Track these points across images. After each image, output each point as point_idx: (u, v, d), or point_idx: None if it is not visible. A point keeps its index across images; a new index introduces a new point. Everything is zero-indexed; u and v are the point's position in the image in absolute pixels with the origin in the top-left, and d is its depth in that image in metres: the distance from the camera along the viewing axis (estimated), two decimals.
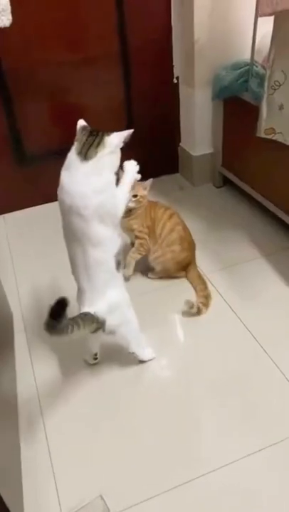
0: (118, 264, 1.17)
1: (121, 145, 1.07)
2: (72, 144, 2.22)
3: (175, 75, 2.12)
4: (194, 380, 1.31)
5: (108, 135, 1.06)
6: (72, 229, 1.09)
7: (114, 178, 1.10)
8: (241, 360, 1.36)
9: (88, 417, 1.23)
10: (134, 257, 1.63)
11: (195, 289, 1.61)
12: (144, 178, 1.58)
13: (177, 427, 1.19)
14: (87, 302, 1.15)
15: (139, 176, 1.23)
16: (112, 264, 1.15)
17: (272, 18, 1.46)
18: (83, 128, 1.11)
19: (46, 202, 2.22)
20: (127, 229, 1.61)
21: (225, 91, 1.89)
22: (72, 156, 1.07)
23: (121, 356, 1.38)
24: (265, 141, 1.64)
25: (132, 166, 1.21)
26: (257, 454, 1.11)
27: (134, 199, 1.53)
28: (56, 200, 2.34)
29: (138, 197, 1.54)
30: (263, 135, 1.63)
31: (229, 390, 1.27)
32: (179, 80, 2.12)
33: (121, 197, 1.14)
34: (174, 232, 1.59)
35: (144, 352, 1.35)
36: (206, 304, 1.54)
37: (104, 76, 2.03)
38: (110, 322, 1.17)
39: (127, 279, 1.66)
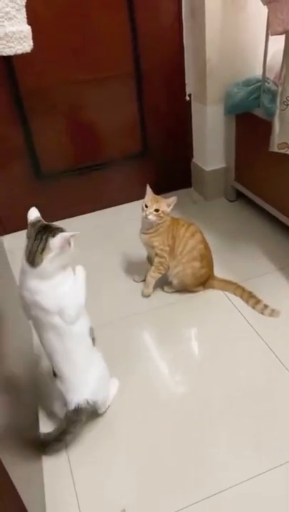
0: (93, 340, 1.18)
1: (67, 246, 1.04)
2: (86, 162, 2.27)
3: (187, 93, 2.15)
4: (211, 396, 1.31)
5: (52, 237, 1.03)
6: (41, 320, 1.09)
7: (67, 273, 1.09)
8: (259, 375, 1.36)
9: (107, 433, 1.23)
10: (154, 276, 1.66)
11: (235, 293, 1.65)
12: (158, 194, 1.61)
13: (194, 442, 1.19)
14: (72, 389, 1.16)
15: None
16: (89, 340, 1.16)
17: (283, 35, 1.49)
18: (33, 224, 1.08)
19: (62, 218, 2.26)
20: (148, 245, 1.63)
21: (237, 107, 1.92)
22: (23, 261, 1.06)
23: (136, 371, 1.40)
24: (278, 155, 1.65)
25: (81, 273, 1.16)
26: (276, 470, 1.11)
27: (155, 213, 1.55)
28: (71, 216, 2.39)
29: (160, 212, 1.55)
30: (276, 150, 1.65)
31: (247, 406, 1.27)
32: (191, 97, 2.16)
33: (77, 292, 1.11)
34: (195, 250, 1.60)
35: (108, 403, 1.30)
36: (259, 300, 1.58)
37: (118, 95, 2.07)
38: (100, 398, 1.21)
39: (147, 297, 1.69)
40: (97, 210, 2.32)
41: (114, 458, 1.18)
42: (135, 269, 1.82)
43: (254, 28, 1.87)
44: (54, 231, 1.04)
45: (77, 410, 1.15)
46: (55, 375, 1.18)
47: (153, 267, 1.65)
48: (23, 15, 1.17)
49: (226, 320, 1.57)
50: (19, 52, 1.20)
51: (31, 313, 1.09)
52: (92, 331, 1.18)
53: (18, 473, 0.88)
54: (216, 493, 1.07)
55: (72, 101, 2.04)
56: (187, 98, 2.17)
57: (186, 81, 2.13)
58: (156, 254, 1.62)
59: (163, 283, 1.71)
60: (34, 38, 1.40)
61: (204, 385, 1.35)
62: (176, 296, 1.69)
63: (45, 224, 1.07)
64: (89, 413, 1.20)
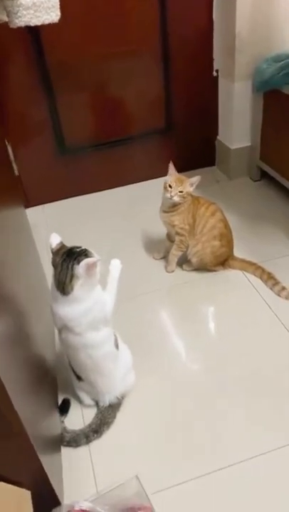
0: (116, 343, 1.21)
1: (93, 270, 1.04)
2: (109, 137, 2.24)
3: (215, 68, 2.11)
4: (226, 374, 1.33)
5: (77, 265, 1.02)
6: (71, 342, 1.12)
7: (97, 291, 1.09)
8: (275, 356, 1.37)
9: (124, 404, 1.27)
10: (176, 254, 1.68)
11: (254, 273, 1.65)
12: (181, 171, 1.60)
13: (208, 417, 1.22)
14: (103, 392, 1.23)
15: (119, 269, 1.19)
16: (114, 350, 1.20)
17: None
18: (56, 252, 1.08)
19: (84, 193, 2.28)
20: (168, 224, 1.63)
21: (266, 84, 1.87)
22: (54, 288, 1.08)
23: (153, 348, 1.42)
24: None
25: (116, 267, 1.18)
26: (286, 448, 1.13)
27: (180, 194, 1.54)
28: (93, 191, 2.39)
29: (184, 193, 1.54)
30: None
31: (262, 386, 1.28)
32: (219, 73, 2.11)
33: (109, 302, 1.13)
34: (215, 229, 1.60)
35: None
36: (278, 282, 1.58)
37: (144, 70, 2.04)
38: (126, 387, 1.27)
39: (171, 273, 1.72)
40: (119, 186, 2.33)
41: (129, 428, 1.21)
42: (155, 247, 1.83)
43: (286, 1, 1.80)
44: (78, 257, 1.03)
45: (111, 406, 1.23)
46: (78, 378, 1.23)
47: (174, 245, 1.65)
48: None
49: (244, 300, 1.57)
50: (46, 22, 1.20)
51: (62, 336, 1.13)
52: (116, 338, 1.22)
53: (38, 440, 0.92)
54: (228, 465, 1.10)
55: (98, 75, 2.02)
56: (214, 74, 2.12)
57: (214, 56, 2.08)
58: (177, 233, 1.62)
59: (182, 261, 1.72)
60: (62, 11, 1.40)
61: (220, 363, 1.36)
62: (195, 275, 1.70)
63: (67, 250, 1.07)
64: (119, 405, 1.26)
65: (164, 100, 2.15)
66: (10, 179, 1.62)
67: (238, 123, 2.13)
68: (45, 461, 0.92)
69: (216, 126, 2.28)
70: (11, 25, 1.11)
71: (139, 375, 1.30)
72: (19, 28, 1.13)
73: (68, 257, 1.04)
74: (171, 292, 1.65)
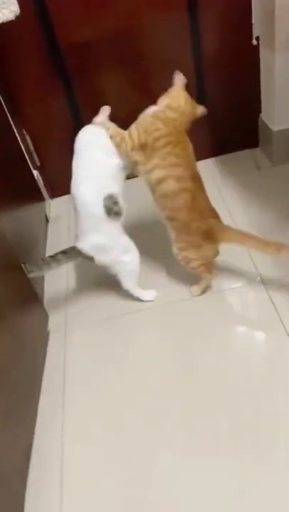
0: (109, 210, 1.24)
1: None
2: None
3: (254, 35, 1.78)
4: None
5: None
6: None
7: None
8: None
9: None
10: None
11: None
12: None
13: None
14: (78, 237, 1.33)
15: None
16: (96, 209, 1.23)
17: None
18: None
19: None
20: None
21: None
22: None
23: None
24: None
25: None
26: None
27: None
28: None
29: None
30: None
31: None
32: (259, 41, 1.78)
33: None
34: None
35: (140, 292, 1.44)
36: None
37: (169, 37, 1.77)
38: (98, 259, 1.33)
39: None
40: None
41: None
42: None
43: None
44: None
45: (71, 247, 1.32)
46: None
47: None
48: None
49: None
50: None
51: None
52: (110, 199, 1.24)
53: None
54: None
55: (118, 52, 1.80)
56: (254, 42, 1.79)
57: (253, 21, 1.74)
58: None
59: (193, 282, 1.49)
60: None
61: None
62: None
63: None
64: (79, 257, 1.34)
65: (195, 73, 1.88)
66: None
67: (281, 100, 1.80)
68: None
69: (259, 102, 1.97)
70: None
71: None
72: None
73: None
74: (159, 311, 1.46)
